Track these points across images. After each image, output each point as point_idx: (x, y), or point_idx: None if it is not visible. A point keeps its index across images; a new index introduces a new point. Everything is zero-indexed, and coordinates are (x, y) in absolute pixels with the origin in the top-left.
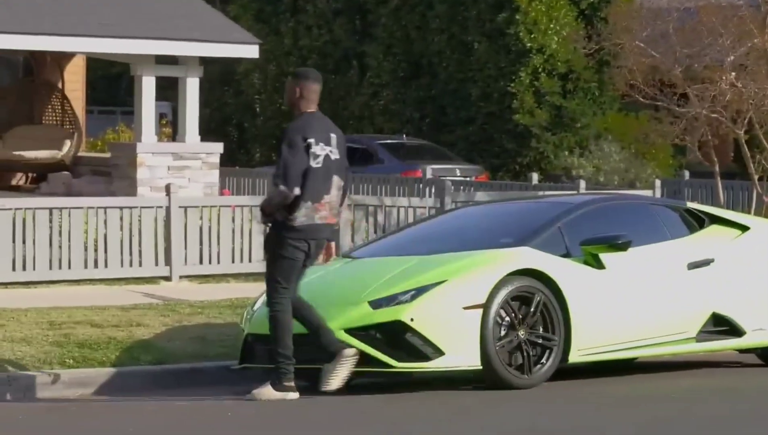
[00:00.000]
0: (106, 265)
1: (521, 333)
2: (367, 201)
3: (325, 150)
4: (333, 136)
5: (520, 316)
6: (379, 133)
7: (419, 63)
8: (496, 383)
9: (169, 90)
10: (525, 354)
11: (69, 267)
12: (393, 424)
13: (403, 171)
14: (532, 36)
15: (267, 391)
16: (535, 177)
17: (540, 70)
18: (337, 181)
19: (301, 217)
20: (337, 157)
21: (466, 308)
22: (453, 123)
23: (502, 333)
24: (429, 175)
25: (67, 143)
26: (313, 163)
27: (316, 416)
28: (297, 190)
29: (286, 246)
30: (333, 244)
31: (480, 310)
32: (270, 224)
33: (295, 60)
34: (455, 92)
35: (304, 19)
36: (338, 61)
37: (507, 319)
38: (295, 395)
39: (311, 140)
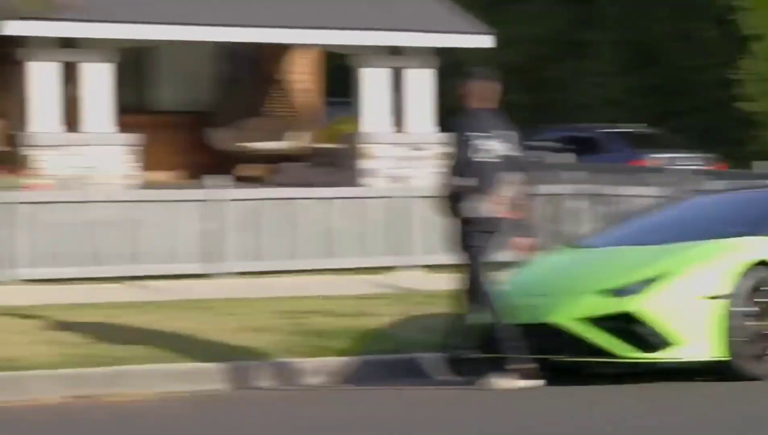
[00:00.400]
0: (338, 255)
1: (762, 323)
2: (594, 190)
3: (490, 146)
4: (501, 133)
5: (763, 307)
6: (605, 123)
7: (645, 51)
8: (737, 374)
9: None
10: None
11: (301, 257)
12: (621, 416)
13: (631, 160)
14: (758, 21)
15: (502, 380)
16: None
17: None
18: (509, 177)
19: (475, 208)
20: (508, 153)
21: (703, 298)
22: (679, 111)
23: (743, 323)
24: (657, 164)
25: (300, 134)
26: (476, 157)
27: (546, 404)
28: (465, 181)
29: (470, 237)
30: (529, 240)
31: (720, 301)
32: (451, 215)
33: (518, 49)
34: (681, 80)
35: (528, 8)
36: (562, 49)
37: (749, 309)
38: (528, 383)
39: (472, 135)
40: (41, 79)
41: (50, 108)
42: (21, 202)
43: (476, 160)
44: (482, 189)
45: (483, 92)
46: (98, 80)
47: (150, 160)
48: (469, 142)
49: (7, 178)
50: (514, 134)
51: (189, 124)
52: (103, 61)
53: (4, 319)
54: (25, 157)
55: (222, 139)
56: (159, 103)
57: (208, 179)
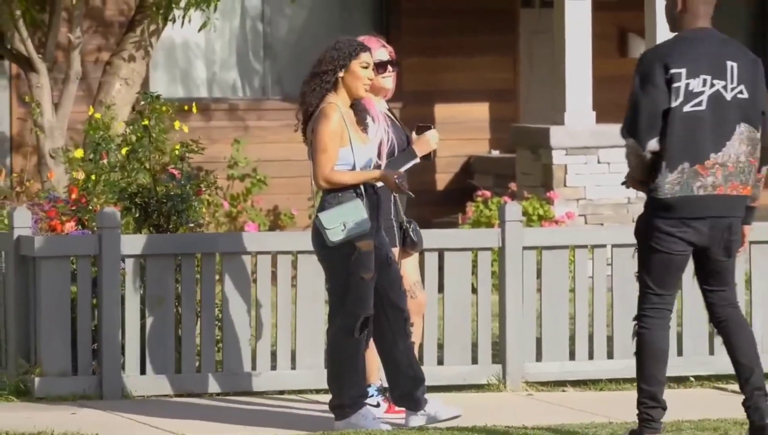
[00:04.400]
0: None
1: None
2: None
3: (714, 86)
4: (732, 65)
5: None
6: None
7: None
8: None
9: None
10: None
11: None
12: None
13: None
14: None
15: None
16: None
17: None
18: (744, 131)
19: (667, 185)
20: (743, 96)
21: None
22: None
23: None
24: None
25: None
26: (684, 105)
27: None
28: (653, 144)
29: (653, 231)
30: (747, 228)
31: None
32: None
33: None
34: None
35: None
36: None
37: None
38: None
39: (677, 71)
40: (576, 30)
41: (582, 81)
42: (527, 248)
43: (685, 109)
44: (689, 153)
45: (705, 6)
46: None
47: None
48: (673, 84)
49: (525, 203)
50: (754, 65)
51: None
52: None
53: None
54: (548, 167)
55: None
56: None
57: None
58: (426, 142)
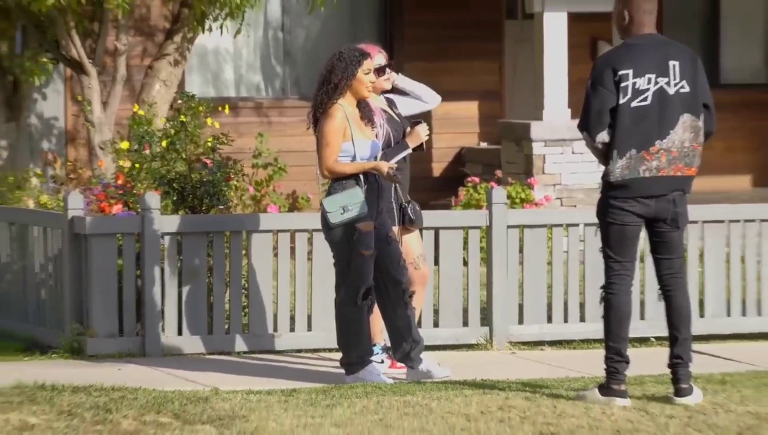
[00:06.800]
0: None
1: None
2: None
3: (658, 83)
4: (674, 64)
5: None
6: None
7: None
8: None
9: None
10: None
11: None
12: None
13: None
14: None
15: (592, 394)
16: None
17: None
18: (687, 120)
19: (618, 169)
20: (685, 90)
21: None
22: None
23: None
24: None
25: None
26: (632, 101)
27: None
28: (603, 136)
29: (608, 208)
30: None
31: None
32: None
33: None
34: None
35: None
36: None
37: None
38: (622, 402)
39: (625, 72)
40: (553, 39)
41: (559, 83)
42: (511, 226)
43: (633, 105)
44: (635, 141)
45: (647, 16)
46: None
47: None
48: (621, 84)
49: (508, 188)
50: (693, 63)
51: None
52: None
53: None
54: (529, 157)
55: None
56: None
57: None
58: (417, 135)
